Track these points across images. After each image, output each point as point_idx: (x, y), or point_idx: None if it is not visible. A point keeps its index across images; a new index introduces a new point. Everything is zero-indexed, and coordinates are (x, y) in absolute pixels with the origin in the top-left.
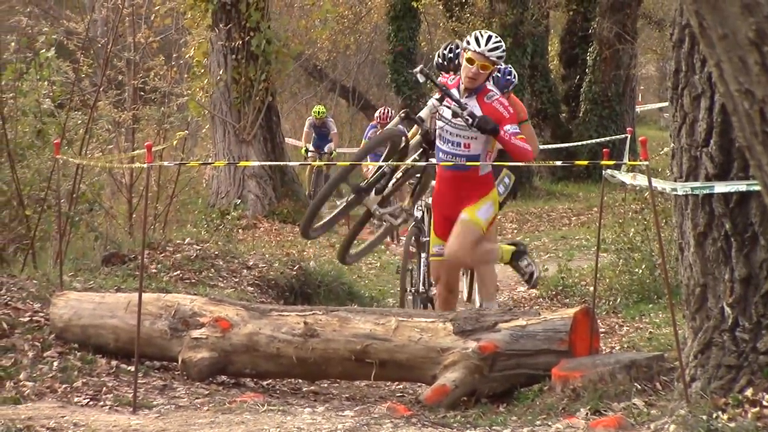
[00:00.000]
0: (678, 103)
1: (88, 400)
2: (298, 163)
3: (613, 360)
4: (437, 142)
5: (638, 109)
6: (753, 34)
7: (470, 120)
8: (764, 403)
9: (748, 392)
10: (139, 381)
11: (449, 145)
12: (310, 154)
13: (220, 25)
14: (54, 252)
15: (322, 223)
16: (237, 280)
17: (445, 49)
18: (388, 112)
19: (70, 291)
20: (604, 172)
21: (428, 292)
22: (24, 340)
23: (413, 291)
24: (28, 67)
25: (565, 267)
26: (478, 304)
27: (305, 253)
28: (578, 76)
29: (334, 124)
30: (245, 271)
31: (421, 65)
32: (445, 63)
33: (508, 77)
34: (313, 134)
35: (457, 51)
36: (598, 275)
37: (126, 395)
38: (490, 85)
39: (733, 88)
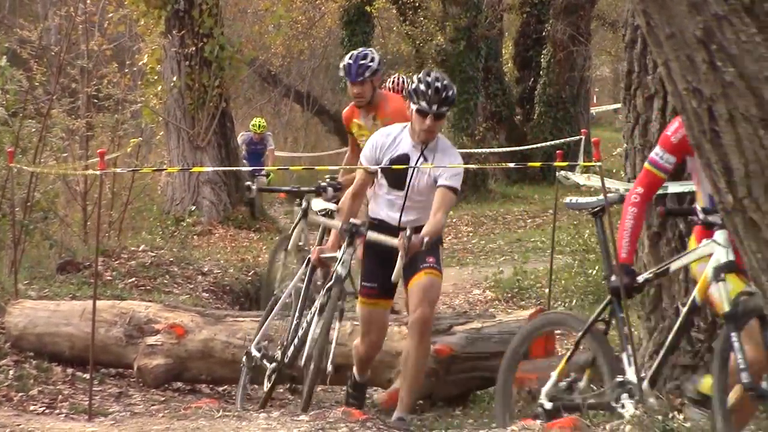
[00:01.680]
0: (631, 103)
1: (44, 408)
2: (251, 168)
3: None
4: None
5: (593, 110)
6: (700, 33)
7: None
8: None
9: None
10: (94, 388)
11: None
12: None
13: (174, 32)
14: (8, 260)
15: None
16: (192, 286)
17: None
18: (402, 81)
19: (25, 299)
20: (557, 173)
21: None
22: None
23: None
24: None
25: (521, 269)
26: None
27: (260, 258)
28: (532, 79)
29: (272, 138)
30: (200, 277)
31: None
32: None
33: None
34: (245, 153)
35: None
36: (553, 277)
37: (82, 403)
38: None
39: (681, 86)
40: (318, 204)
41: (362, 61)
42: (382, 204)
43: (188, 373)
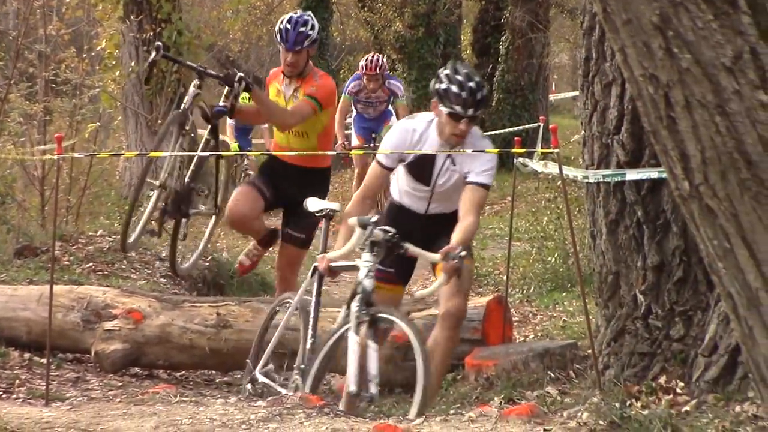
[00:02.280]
0: (589, 90)
1: (1, 393)
2: (210, 153)
3: (527, 348)
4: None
5: (552, 98)
6: (657, 19)
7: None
8: (677, 390)
9: (662, 380)
10: (51, 373)
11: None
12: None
13: (132, 17)
14: None
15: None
16: (149, 271)
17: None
18: (377, 60)
19: None
20: (515, 160)
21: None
22: None
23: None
24: None
25: (479, 256)
26: None
27: (218, 244)
28: (491, 66)
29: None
30: (158, 262)
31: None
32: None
33: None
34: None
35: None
36: (511, 264)
37: (39, 388)
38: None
39: (637, 73)
40: (314, 204)
41: (302, 29)
42: (405, 194)
43: (145, 358)
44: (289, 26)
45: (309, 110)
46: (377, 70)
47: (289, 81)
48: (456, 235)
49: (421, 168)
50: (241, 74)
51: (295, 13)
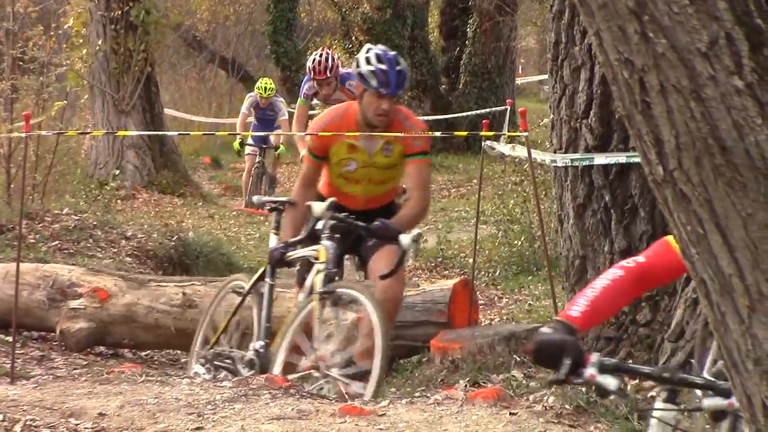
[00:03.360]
0: (558, 74)
1: None
2: (176, 133)
3: (492, 332)
4: None
5: (518, 81)
6: (633, 4)
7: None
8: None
9: (630, 361)
10: (17, 352)
11: None
12: (248, 150)
13: None
14: None
15: None
16: (115, 250)
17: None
18: (326, 61)
19: None
20: (483, 143)
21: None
22: None
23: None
24: None
25: (445, 239)
26: None
27: (184, 224)
28: (458, 48)
29: (284, 105)
30: (123, 241)
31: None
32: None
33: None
34: (254, 120)
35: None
36: (477, 247)
37: (4, 366)
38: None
39: (612, 57)
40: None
41: (399, 67)
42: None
43: (111, 337)
44: (385, 67)
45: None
46: (327, 73)
47: (371, 129)
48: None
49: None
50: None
51: (375, 46)
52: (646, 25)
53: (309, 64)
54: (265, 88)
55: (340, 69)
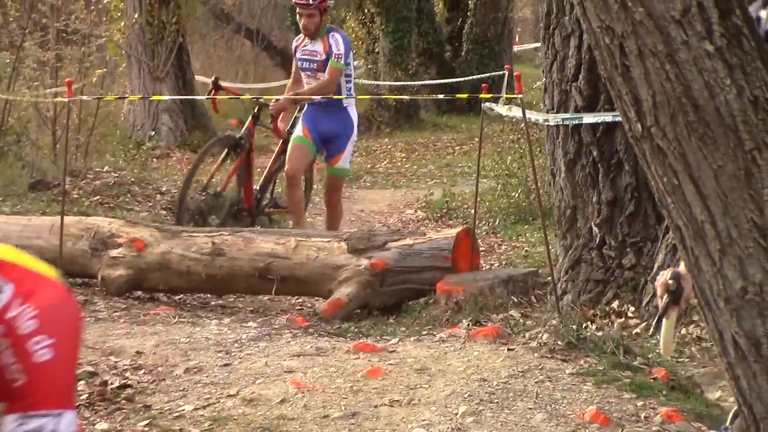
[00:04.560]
0: (550, 41)
1: None
2: (206, 97)
3: (492, 276)
4: None
5: (516, 48)
6: None
7: None
8: (629, 314)
9: (614, 304)
10: None
11: None
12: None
13: None
14: None
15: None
16: (151, 204)
17: None
18: None
19: None
20: (483, 105)
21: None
22: None
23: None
24: None
25: (449, 192)
26: None
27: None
28: (461, 19)
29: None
30: (159, 196)
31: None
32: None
33: None
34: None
35: None
36: (478, 199)
37: None
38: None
39: (595, 24)
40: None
41: None
42: None
43: (147, 283)
44: None
45: None
46: (310, 0)
47: None
48: None
49: None
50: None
51: None
52: None
53: None
54: None
55: (329, 1)
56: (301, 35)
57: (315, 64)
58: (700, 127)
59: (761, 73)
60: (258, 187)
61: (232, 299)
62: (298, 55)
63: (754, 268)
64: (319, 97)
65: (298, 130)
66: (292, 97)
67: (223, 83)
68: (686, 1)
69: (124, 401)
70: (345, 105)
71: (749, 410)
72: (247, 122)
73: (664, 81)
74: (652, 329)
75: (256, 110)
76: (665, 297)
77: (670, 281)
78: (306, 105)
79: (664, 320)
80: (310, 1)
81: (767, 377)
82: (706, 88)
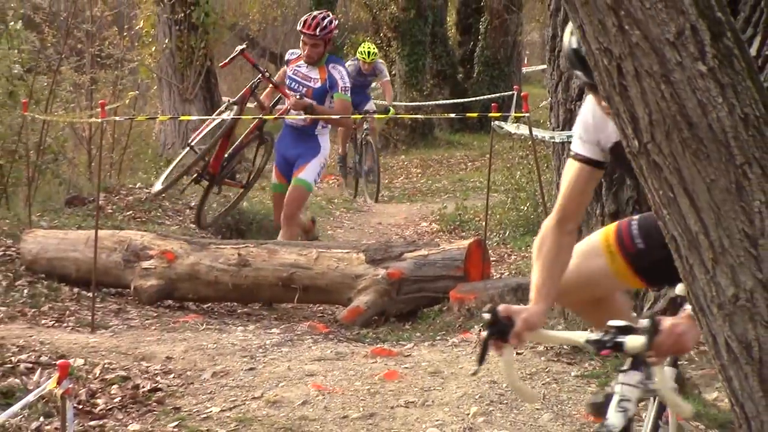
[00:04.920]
0: (555, 63)
1: (53, 322)
2: (231, 117)
3: (502, 284)
4: None
5: (524, 70)
6: (611, 0)
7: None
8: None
9: None
10: (96, 305)
11: None
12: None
13: (165, 0)
14: (24, 196)
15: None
16: (181, 218)
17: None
18: (323, 19)
19: (38, 229)
20: (492, 123)
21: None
22: None
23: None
24: (0, 38)
25: (462, 205)
26: None
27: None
28: (472, 42)
29: (385, 67)
30: (188, 210)
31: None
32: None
33: None
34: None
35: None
36: (489, 212)
37: (85, 318)
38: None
39: (594, 47)
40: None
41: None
42: None
43: (177, 292)
44: None
45: None
46: (316, 31)
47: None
48: None
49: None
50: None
51: None
52: (622, 19)
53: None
54: (369, 52)
55: (334, 32)
56: (297, 51)
57: (305, 89)
58: (693, 143)
59: (751, 91)
60: (227, 155)
61: (257, 307)
62: (289, 72)
63: (745, 275)
64: (301, 117)
65: (273, 177)
66: (310, 102)
67: (248, 104)
68: (680, 24)
69: (155, 403)
70: (316, 133)
71: (741, 409)
72: (244, 89)
73: (659, 100)
74: (475, 367)
75: (256, 81)
76: (485, 333)
77: (485, 314)
78: (284, 125)
79: (503, 361)
80: (317, 32)
81: (758, 378)
82: (700, 107)
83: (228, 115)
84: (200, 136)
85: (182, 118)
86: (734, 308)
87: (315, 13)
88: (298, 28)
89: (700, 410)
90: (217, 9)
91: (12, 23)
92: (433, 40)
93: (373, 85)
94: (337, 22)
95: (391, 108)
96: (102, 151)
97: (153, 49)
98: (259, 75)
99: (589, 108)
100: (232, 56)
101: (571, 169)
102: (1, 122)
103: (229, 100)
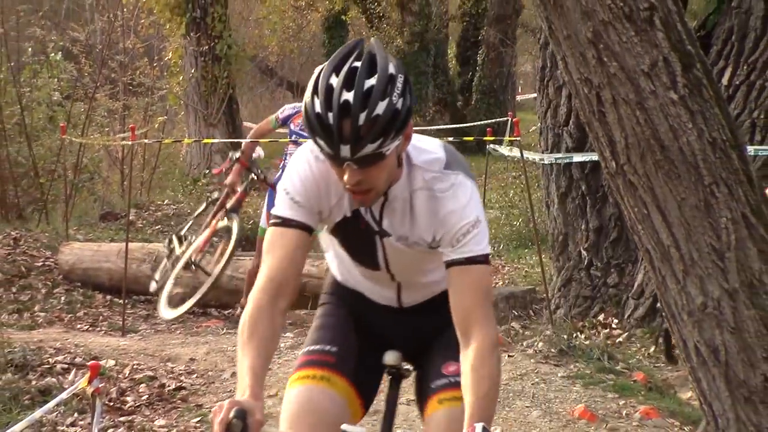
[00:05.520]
0: (544, 92)
1: (88, 326)
2: (252, 140)
3: (496, 293)
4: None
5: (518, 98)
6: (591, 35)
7: None
8: (613, 326)
9: (600, 317)
10: (127, 311)
11: None
12: None
13: (192, 34)
14: (62, 212)
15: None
16: None
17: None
18: None
19: (74, 242)
20: (488, 146)
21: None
22: (38, 280)
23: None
24: (41, 68)
25: None
26: None
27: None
28: (471, 73)
29: None
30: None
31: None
32: None
33: None
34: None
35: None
36: None
37: (117, 323)
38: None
39: (575, 77)
40: None
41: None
42: (358, 276)
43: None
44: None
45: None
46: None
47: None
48: (468, 396)
49: (356, 246)
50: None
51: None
52: (601, 52)
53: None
54: None
55: None
56: (299, 106)
57: None
58: (666, 164)
59: (719, 118)
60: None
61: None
62: (293, 126)
63: (712, 285)
64: None
65: (262, 221)
66: None
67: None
68: (654, 56)
69: (179, 401)
70: None
71: (709, 408)
72: (240, 193)
73: (635, 125)
74: None
75: (250, 185)
76: None
77: (234, 420)
78: (281, 166)
79: None
80: None
81: (724, 380)
82: (671, 131)
83: (227, 223)
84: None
85: (205, 141)
86: (703, 315)
87: None
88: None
89: (675, 408)
90: (239, 42)
91: (52, 54)
92: (435, 71)
93: None
94: None
95: None
96: (133, 170)
97: (180, 78)
98: (253, 176)
99: (313, 173)
100: (229, 165)
101: (279, 237)
102: (41, 144)
103: (217, 192)
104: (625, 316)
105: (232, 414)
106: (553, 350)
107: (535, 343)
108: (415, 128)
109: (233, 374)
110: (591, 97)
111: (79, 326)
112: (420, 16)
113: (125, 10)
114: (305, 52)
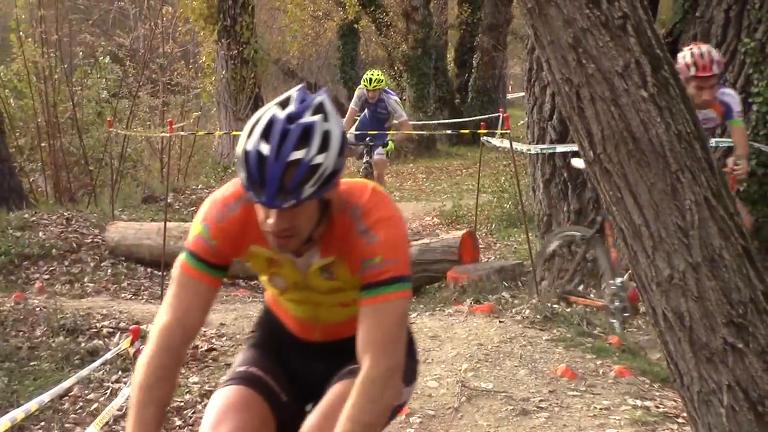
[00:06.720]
0: (531, 91)
1: (131, 295)
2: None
3: (489, 266)
4: None
5: (509, 96)
6: (571, 40)
7: None
8: (591, 296)
9: (580, 288)
10: (165, 282)
11: None
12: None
13: (223, 40)
14: (108, 195)
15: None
16: None
17: None
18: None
19: (119, 221)
20: (482, 138)
21: None
22: (87, 255)
23: None
24: (91, 69)
25: (458, 203)
26: None
27: None
28: (467, 74)
29: (400, 105)
30: None
31: None
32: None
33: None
34: (365, 115)
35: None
36: (479, 209)
37: (156, 292)
38: None
39: (557, 77)
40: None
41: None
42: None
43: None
44: (265, 149)
45: None
46: (713, 69)
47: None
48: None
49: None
50: None
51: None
52: (581, 55)
53: (688, 58)
54: (370, 79)
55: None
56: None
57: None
58: (637, 153)
59: (683, 113)
60: None
61: None
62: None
63: (678, 260)
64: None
65: None
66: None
67: None
68: (627, 59)
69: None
70: None
71: (675, 367)
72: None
73: (610, 119)
74: None
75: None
76: None
77: None
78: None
79: None
80: (715, 70)
81: (688, 342)
82: (642, 125)
83: None
84: None
85: (234, 133)
86: (669, 286)
87: (693, 50)
88: (690, 73)
89: (645, 368)
90: (264, 47)
91: (101, 58)
92: (436, 73)
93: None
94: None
95: (390, 142)
96: (171, 159)
97: (213, 78)
98: None
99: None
100: None
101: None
102: (91, 136)
103: None
104: (602, 288)
105: None
106: (538, 317)
107: (523, 311)
108: (419, 122)
109: None
110: (571, 95)
111: (123, 295)
112: (423, 25)
113: (165, 19)
114: (322, 56)
